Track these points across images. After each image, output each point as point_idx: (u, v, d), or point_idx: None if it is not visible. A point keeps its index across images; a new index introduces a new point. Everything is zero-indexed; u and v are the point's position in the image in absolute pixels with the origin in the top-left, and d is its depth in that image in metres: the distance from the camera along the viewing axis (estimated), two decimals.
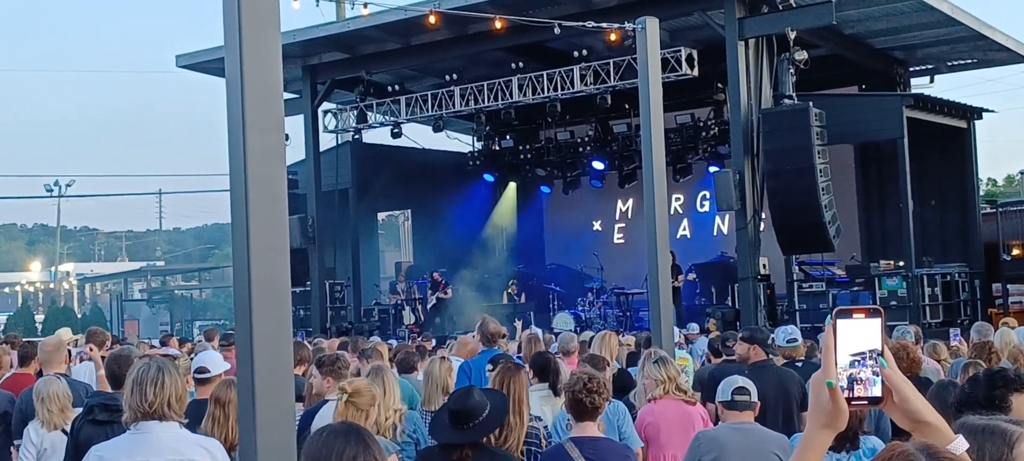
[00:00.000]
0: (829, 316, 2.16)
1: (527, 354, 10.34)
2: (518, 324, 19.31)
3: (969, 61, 28.56)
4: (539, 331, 16.82)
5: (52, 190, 71.58)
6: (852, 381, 2.08)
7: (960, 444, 2.07)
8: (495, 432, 5.57)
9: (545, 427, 6.83)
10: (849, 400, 2.08)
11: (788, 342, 9.77)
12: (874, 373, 2.08)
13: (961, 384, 6.76)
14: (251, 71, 6.27)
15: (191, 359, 9.15)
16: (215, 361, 7.95)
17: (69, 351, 9.98)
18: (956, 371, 9.57)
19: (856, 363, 2.08)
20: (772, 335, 10.65)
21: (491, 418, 5.42)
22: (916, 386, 2.16)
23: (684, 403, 7.75)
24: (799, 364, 9.54)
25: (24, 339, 13.09)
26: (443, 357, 8.64)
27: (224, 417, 6.60)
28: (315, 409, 7.46)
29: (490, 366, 7.89)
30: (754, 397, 6.34)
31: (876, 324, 2.09)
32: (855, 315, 2.10)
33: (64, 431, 7.23)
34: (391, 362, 10.05)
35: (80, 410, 6.90)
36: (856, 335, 2.08)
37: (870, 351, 2.08)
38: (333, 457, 2.87)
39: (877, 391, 2.08)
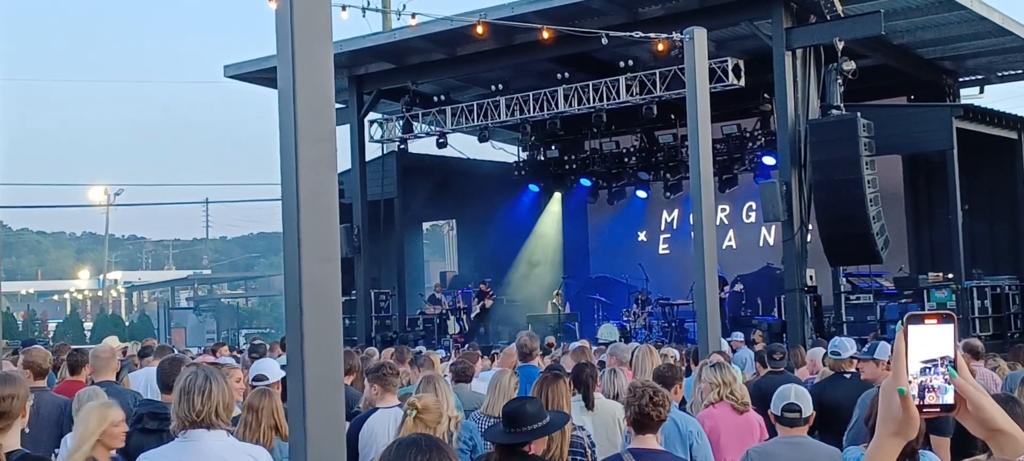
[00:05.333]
0: (900, 322, 2.11)
1: (572, 364, 10.34)
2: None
3: (1020, 71, 28.28)
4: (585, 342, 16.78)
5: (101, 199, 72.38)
6: (923, 389, 2.02)
7: None
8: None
9: (589, 436, 6.84)
10: (920, 408, 2.03)
11: (832, 354, 9.76)
12: (946, 381, 2.02)
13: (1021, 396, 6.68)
14: (303, 82, 6.32)
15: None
16: (272, 368, 8.10)
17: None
18: (1011, 385, 9.46)
19: (927, 370, 2.02)
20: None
21: (547, 426, 5.46)
22: None
23: (737, 410, 7.78)
24: (847, 377, 9.48)
25: (72, 347, 13.25)
26: (513, 369, 8.69)
27: (256, 423, 6.63)
28: (364, 417, 7.50)
29: None
30: (806, 412, 6.31)
31: (949, 330, 2.03)
32: (927, 321, 2.04)
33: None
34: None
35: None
36: (928, 341, 2.03)
37: (941, 358, 2.02)
38: None
39: (949, 399, 2.02)
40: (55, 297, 77.33)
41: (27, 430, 5.80)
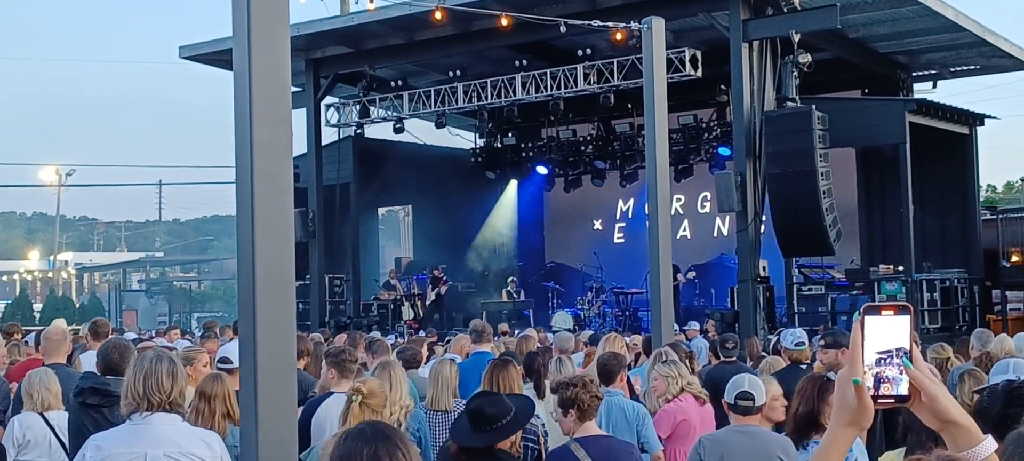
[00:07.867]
0: (857, 312, 2.12)
1: (520, 352, 10.38)
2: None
3: (972, 67, 28.52)
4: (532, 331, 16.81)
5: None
6: (878, 379, 2.04)
7: (989, 444, 2.04)
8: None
9: (543, 425, 6.84)
10: (875, 398, 2.05)
11: (795, 345, 9.78)
12: (901, 372, 2.03)
13: (960, 393, 6.77)
14: (259, 65, 6.28)
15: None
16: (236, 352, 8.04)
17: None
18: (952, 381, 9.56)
19: (883, 361, 2.04)
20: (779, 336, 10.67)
21: (513, 422, 5.41)
22: None
23: (700, 401, 8.00)
24: (804, 367, 9.55)
25: (24, 328, 13.15)
26: (452, 359, 8.64)
27: (210, 412, 6.57)
28: (318, 401, 7.43)
29: None
30: (759, 401, 6.36)
31: (905, 321, 2.05)
32: (883, 312, 2.05)
33: (45, 419, 7.27)
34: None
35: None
36: (884, 332, 2.04)
37: (897, 349, 2.04)
38: (357, 459, 2.81)
39: (904, 390, 2.04)
40: (4, 278, 76.34)
41: None
